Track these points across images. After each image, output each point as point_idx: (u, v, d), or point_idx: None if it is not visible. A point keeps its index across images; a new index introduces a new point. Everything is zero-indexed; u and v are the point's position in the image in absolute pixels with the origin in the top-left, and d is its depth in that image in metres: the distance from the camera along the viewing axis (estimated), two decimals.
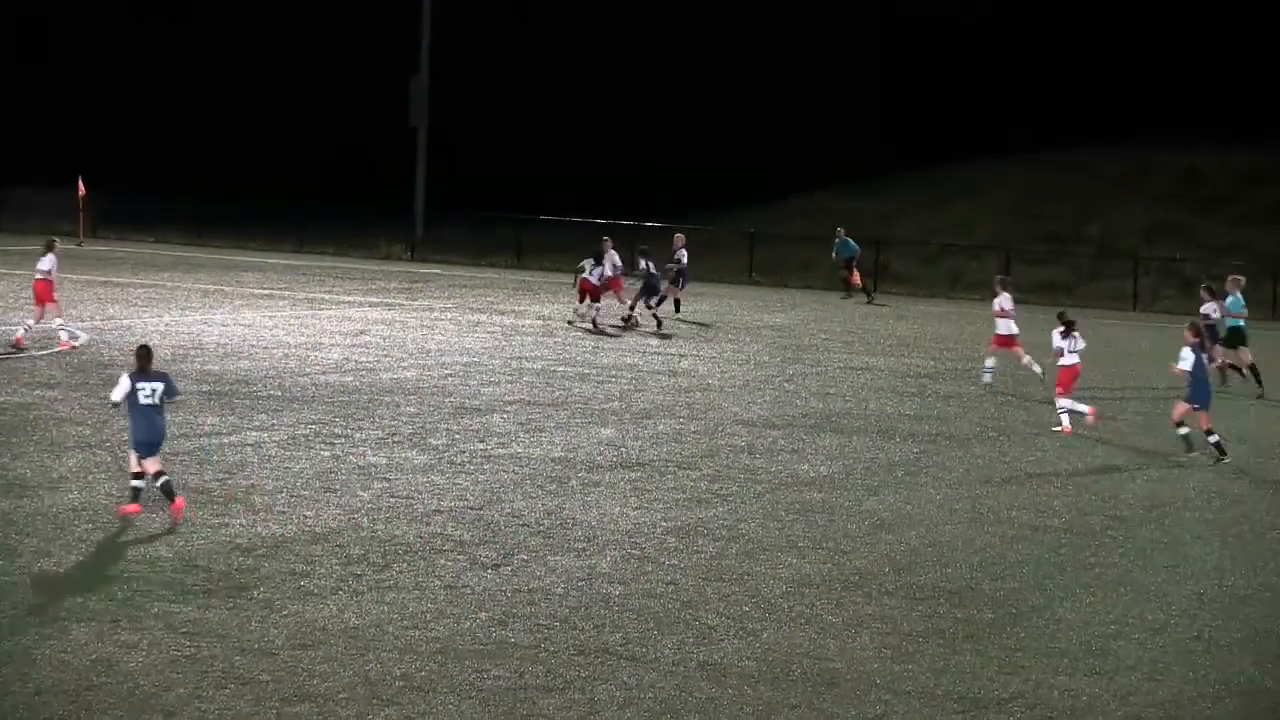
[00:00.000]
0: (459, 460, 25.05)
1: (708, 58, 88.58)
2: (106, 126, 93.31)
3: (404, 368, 34.76)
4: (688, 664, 15.83)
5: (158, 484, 20.30)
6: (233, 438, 25.96)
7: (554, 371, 35.20)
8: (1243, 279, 37.94)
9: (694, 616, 17.39)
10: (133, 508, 20.37)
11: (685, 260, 49.64)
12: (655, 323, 44.99)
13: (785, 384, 35.09)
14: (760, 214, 72.95)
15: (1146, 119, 77.32)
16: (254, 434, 26.36)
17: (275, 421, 27.54)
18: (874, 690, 15.38)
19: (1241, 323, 36.96)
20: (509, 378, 33.91)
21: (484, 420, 28.74)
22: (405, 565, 18.86)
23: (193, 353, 35.47)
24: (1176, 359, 27.81)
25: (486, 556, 19.42)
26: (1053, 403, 30.70)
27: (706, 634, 16.80)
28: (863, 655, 16.37)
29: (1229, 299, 37.04)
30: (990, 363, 35.70)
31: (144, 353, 20.82)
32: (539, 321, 45.21)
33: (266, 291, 51.14)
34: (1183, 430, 28.03)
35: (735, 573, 19.23)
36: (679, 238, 50.70)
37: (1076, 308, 45.79)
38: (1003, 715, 14.96)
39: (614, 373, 35.47)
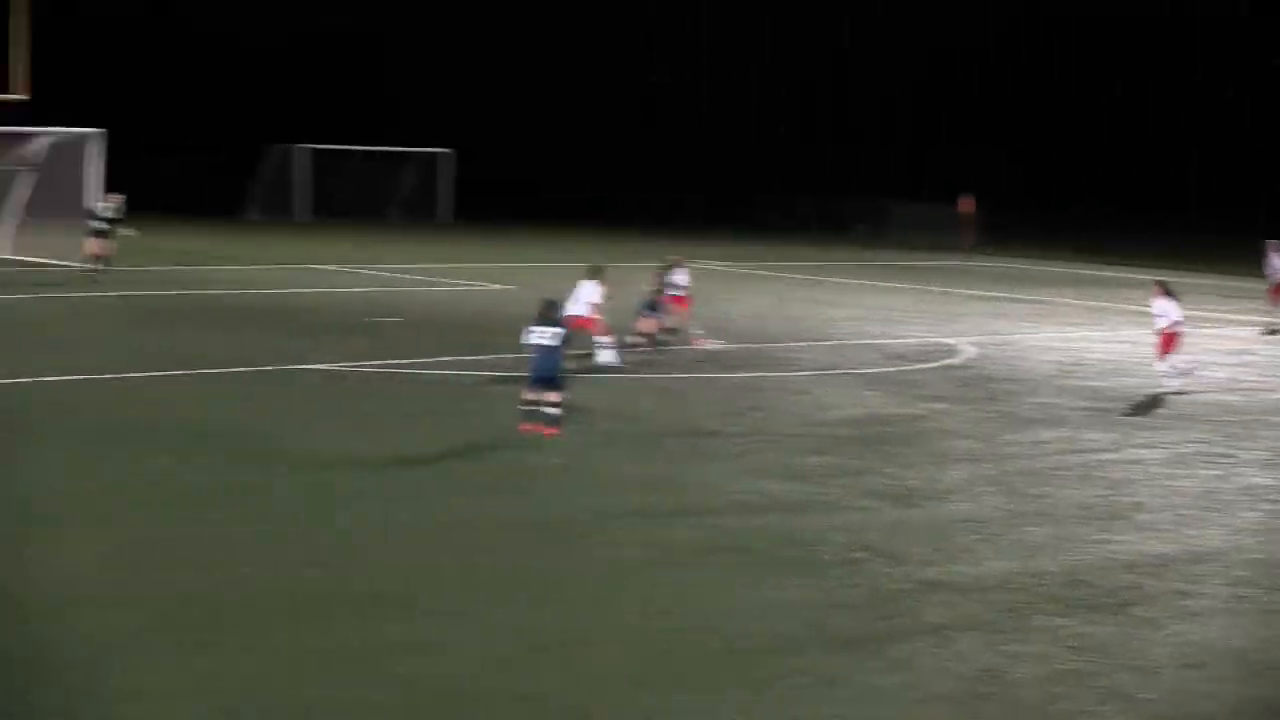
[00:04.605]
0: None
1: None
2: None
3: None
4: None
5: None
6: (1116, 454, 25.92)
7: None
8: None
9: None
10: None
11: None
12: None
13: None
14: None
15: None
16: (1136, 451, 26.24)
17: (1157, 439, 27.32)
18: None
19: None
20: None
21: None
22: None
23: (1075, 369, 35.82)
24: None
25: None
26: None
27: None
28: None
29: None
30: None
31: None
32: None
33: (1148, 309, 50.26)
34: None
35: None
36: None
37: None
38: None
39: None
